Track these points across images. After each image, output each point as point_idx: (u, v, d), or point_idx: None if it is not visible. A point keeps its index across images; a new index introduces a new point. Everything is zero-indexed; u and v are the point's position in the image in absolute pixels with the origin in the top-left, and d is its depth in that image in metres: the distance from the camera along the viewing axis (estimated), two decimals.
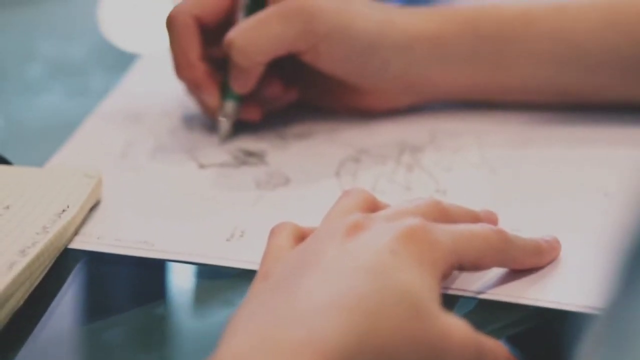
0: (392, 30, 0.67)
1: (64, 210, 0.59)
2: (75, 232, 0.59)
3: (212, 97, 0.69)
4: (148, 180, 0.65)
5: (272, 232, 0.53)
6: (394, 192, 0.63)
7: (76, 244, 0.59)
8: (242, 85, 0.67)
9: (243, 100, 0.69)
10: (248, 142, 0.69)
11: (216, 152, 0.68)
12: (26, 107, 0.78)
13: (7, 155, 0.65)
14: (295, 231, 0.53)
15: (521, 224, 0.58)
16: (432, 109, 0.72)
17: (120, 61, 0.84)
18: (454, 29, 0.69)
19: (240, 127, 0.70)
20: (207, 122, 0.71)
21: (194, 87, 0.69)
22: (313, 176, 0.65)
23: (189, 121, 0.72)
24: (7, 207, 0.59)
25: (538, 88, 0.70)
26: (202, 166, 0.66)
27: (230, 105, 0.68)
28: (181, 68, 0.68)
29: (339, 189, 0.64)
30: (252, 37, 0.65)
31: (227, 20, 0.69)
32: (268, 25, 0.65)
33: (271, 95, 0.70)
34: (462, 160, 0.66)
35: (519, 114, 0.71)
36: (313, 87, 0.72)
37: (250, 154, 0.68)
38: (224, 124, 0.69)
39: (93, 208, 0.62)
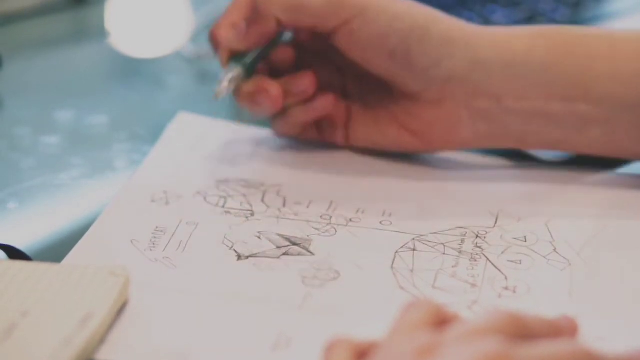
0: (446, 22, 0.62)
1: (88, 316, 0.53)
2: (101, 340, 0.53)
3: (224, 50, 0.66)
4: (180, 276, 0.59)
5: (328, 352, 0.47)
6: (457, 290, 0.57)
7: (103, 354, 0.53)
8: (236, 32, 0.64)
9: (251, 73, 0.66)
10: (288, 227, 0.63)
11: (254, 238, 0.62)
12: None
13: None
14: (353, 349, 0.48)
15: (607, 331, 0.53)
16: (493, 189, 0.66)
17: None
18: (523, 34, 0.62)
19: (279, 206, 0.65)
20: (243, 201, 0.65)
21: (212, 45, 0.67)
22: (366, 270, 0.59)
23: (223, 201, 0.65)
24: (26, 314, 0.53)
25: (621, 117, 0.62)
26: (240, 257, 0.60)
27: (235, 69, 0.65)
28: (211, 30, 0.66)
29: (395, 285, 0.58)
30: None
31: None
32: None
33: (301, 88, 0.65)
34: (531, 249, 0.60)
35: (591, 189, 0.65)
36: (365, 121, 0.67)
37: (292, 241, 0.62)
38: (224, 83, 0.65)
39: (120, 309, 0.55)
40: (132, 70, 0.95)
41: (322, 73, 0.67)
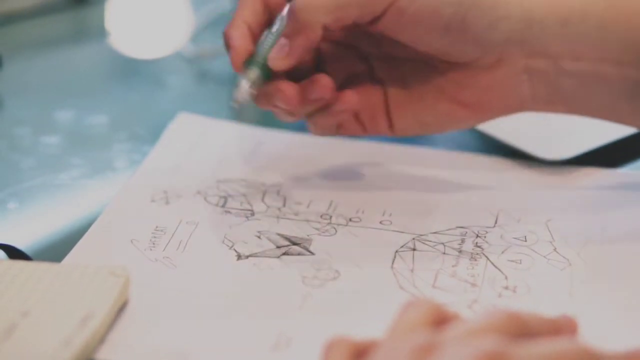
0: None
1: (88, 316, 0.53)
2: (101, 340, 0.53)
3: (237, 55, 0.60)
4: (180, 276, 0.59)
5: (327, 351, 0.47)
6: (457, 289, 0.57)
7: (103, 354, 0.53)
8: (284, 53, 0.59)
9: (270, 76, 0.60)
10: (288, 226, 0.63)
11: (254, 238, 0.62)
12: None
13: None
14: (352, 349, 0.47)
15: (607, 330, 0.53)
16: (493, 189, 0.66)
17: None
18: None
19: (279, 206, 0.65)
20: (243, 201, 0.65)
21: (226, 46, 0.61)
22: (366, 269, 0.59)
23: (223, 200, 0.65)
24: (26, 314, 0.53)
25: None
26: (240, 257, 0.60)
27: (254, 73, 0.60)
28: (224, 30, 0.62)
29: (396, 285, 0.58)
30: None
31: None
32: None
33: (317, 95, 0.61)
34: (531, 249, 0.60)
35: (591, 189, 0.65)
36: (410, 105, 0.63)
37: (292, 241, 0.61)
38: (244, 89, 0.60)
39: (120, 309, 0.55)
40: (132, 70, 0.95)
41: (346, 64, 0.64)
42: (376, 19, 0.59)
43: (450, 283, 0.58)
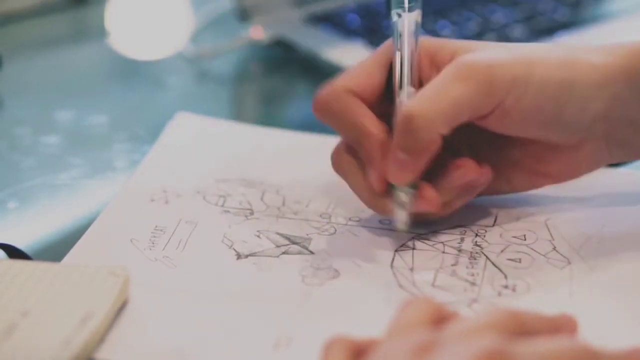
0: (584, 67, 0.59)
1: (88, 316, 0.53)
2: (101, 340, 0.53)
3: (379, 179, 0.59)
4: (180, 276, 0.58)
5: (326, 351, 0.47)
6: (456, 288, 0.57)
7: (103, 354, 0.53)
8: (409, 171, 0.58)
9: (418, 187, 0.59)
10: (287, 225, 0.63)
11: (254, 237, 0.62)
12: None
13: None
14: (351, 348, 0.47)
15: (607, 329, 0.53)
16: None
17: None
18: None
19: (279, 205, 0.65)
20: (243, 200, 0.65)
21: (368, 160, 0.59)
22: (365, 268, 0.59)
23: (222, 200, 0.65)
24: (26, 313, 0.53)
25: None
26: (239, 256, 0.60)
27: (402, 195, 0.59)
28: (356, 142, 0.60)
29: (395, 284, 0.58)
30: (434, 104, 0.57)
31: (377, 101, 0.61)
32: (446, 89, 0.57)
33: (469, 177, 0.60)
34: (531, 248, 0.60)
35: (591, 187, 0.65)
36: (499, 168, 0.62)
37: (291, 240, 0.61)
38: (400, 214, 0.59)
39: (120, 309, 0.55)
40: (132, 71, 0.95)
41: None
42: (481, 118, 0.59)
43: (449, 282, 0.58)
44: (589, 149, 0.61)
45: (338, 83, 0.60)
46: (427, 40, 0.61)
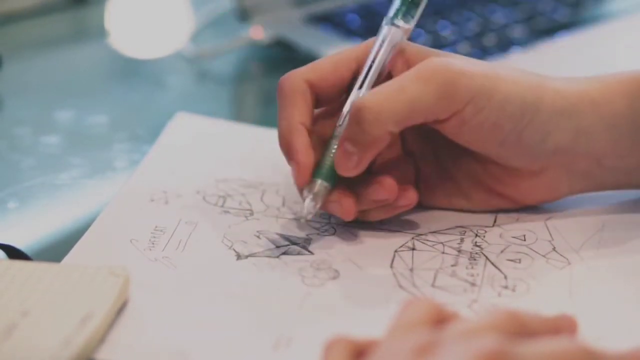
0: (550, 93, 0.59)
1: (88, 316, 0.53)
2: (101, 340, 0.53)
3: (303, 169, 0.60)
4: (180, 276, 0.58)
5: (326, 351, 0.47)
6: (456, 288, 0.57)
7: (103, 354, 0.53)
8: (354, 163, 0.58)
9: (335, 185, 0.60)
10: (287, 226, 0.63)
11: (253, 237, 0.62)
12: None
13: None
14: (351, 348, 0.47)
15: (606, 330, 0.53)
16: None
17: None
18: (621, 90, 0.60)
19: (278, 205, 0.65)
20: (242, 200, 0.65)
21: (287, 155, 0.61)
22: (365, 269, 0.59)
23: (222, 200, 0.65)
24: (26, 313, 0.53)
25: None
26: (239, 257, 0.60)
27: (319, 184, 0.59)
28: (282, 134, 0.61)
29: (395, 285, 0.58)
30: (387, 101, 0.57)
31: (340, 96, 0.62)
32: (404, 88, 0.57)
33: (383, 196, 0.60)
34: (531, 248, 0.60)
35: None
36: (442, 183, 0.63)
37: (291, 241, 0.61)
38: (309, 203, 0.59)
39: (120, 309, 0.55)
40: (132, 70, 0.95)
41: None
42: (437, 122, 0.59)
43: (449, 282, 0.58)
44: (548, 177, 0.61)
45: (301, 71, 0.61)
46: (409, 47, 0.61)
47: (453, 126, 0.58)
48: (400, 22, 0.61)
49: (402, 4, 0.61)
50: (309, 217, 0.60)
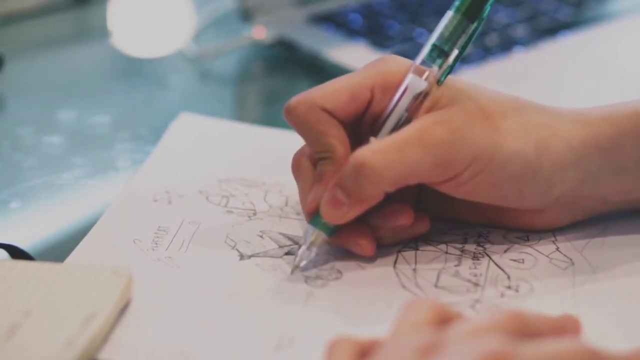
0: (555, 147, 0.58)
1: (91, 316, 0.53)
2: (104, 340, 0.53)
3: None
4: (183, 276, 0.58)
5: (330, 351, 0.47)
6: (459, 289, 0.57)
7: (105, 354, 0.53)
8: (342, 213, 0.57)
9: (335, 231, 0.58)
10: (290, 226, 0.63)
11: (256, 237, 0.62)
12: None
13: None
14: (355, 348, 0.47)
15: (610, 330, 0.53)
16: None
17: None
18: (630, 129, 0.59)
19: (281, 205, 0.64)
20: (245, 200, 0.65)
21: (322, 179, 0.59)
22: (368, 269, 0.59)
23: (225, 200, 0.65)
24: (28, 314, 0.53)
25: None
26: (242, 257, 0.60)
27: (316, 235, 0.58)
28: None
29: (398, 285, 0.58)
30: (390, 162, 0.56)
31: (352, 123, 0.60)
32: (405, 151, 0.56)
33: (395, 225, 0.59)
34: (534, 248, 0.60)
35: None
36: (441, 207, 0.62)
37: (294, 241, 0.61)
38: (303, 254, 0.58)
39: (123, 309, 0.55)
40: (134, 70, 0.95)
41: None
42: (433, 183, 0.58)
43: (452, 282, 0.58)
44: (551, 213, 0.61)
45: (316, 96, 0.59)
46: (432, 89, 0.58)
47: (449, 187, 0.58)
48: (426, 69, 0.58)
49: (432, 50, 0.58)
50: (302, 264, 0.58)
